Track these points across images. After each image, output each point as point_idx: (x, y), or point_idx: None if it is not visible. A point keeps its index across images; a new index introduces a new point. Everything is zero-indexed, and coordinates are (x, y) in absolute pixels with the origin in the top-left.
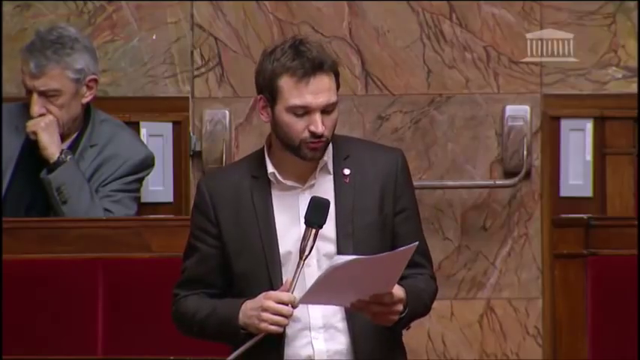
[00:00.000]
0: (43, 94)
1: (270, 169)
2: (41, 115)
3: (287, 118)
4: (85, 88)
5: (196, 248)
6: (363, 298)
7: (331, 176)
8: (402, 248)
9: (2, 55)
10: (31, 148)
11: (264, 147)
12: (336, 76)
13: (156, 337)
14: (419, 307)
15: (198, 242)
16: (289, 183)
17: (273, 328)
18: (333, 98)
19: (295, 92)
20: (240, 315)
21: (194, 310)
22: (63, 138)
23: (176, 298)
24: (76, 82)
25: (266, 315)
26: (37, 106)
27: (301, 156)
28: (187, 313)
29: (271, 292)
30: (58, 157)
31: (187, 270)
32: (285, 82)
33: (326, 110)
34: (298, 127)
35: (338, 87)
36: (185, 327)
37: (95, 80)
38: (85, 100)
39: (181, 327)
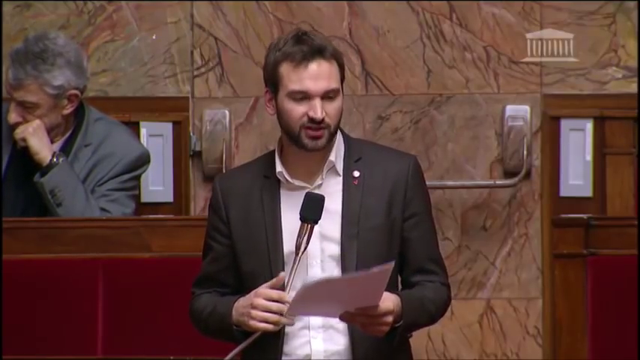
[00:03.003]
0: (21, 104)
1: (279, 168)
2: (18, 123)
3: (287, 105)
4: (65, 101)
5: (210, 247)
6: (349, 310)
7: (340, 177)
8: (378, 268)
9: (2, 55)
10: (21, 152)
11: (276, 147)
12: (340, 67)
13: (156, 337)
14: (421, 316)
15: (212, 241)
16: (297, 183)
17: (262, 325)
18: (334, 84)
19: (294, 77)
20: (233, 312)
21: (202, 308)
22: (51, 141)
23: (192, 296)
24: (54, 97)
25: (255, 312)
26: (14, 114)
27: (302, 145)
28: (197, 310)
29: (261, 290)
30: (51, 160)
31: (203, 268)
32: (284, 69)
33: (327, 96)
34: (297, 112)
35: (343, 79)
36: (197, 325)
37: (76, 95)
38: (65, 112)
39: (195, 325)
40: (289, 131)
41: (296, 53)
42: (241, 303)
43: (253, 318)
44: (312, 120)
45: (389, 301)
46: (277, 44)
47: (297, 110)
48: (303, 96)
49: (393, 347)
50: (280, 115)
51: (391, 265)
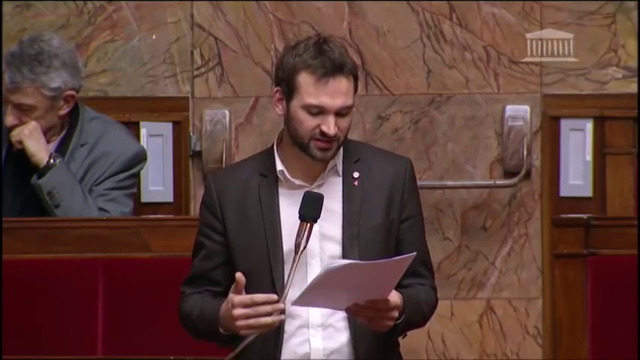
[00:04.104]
0: (18, 107)
1: (279, 166)
2: (15, 125)
3: (301, 115)
4: (62, 102)
5: (203, 245)
6: (358, 303)
7: (340, 178)
8: (400, 257)
9: (2, 55)
10: (16, 154)
11: (274, 144)
12: (355, 79)
13: (156, 337)
14: (417, 316)
15: (205, 239)
16: (297, 182)
17: (251, 331)
18: (349, 102)
19: (313, 91)
20: (220, 320)
21: (190, 309)
22: (47, 142)
23: (182, 296)
24: (51, 98)
25: (239, 323)
26: (11, 117)
27: (310, 155)
28: (185, 311)
29: (235, 299)
30: (48, 162)
31: (193, 267)
32: (304, 79)
33: (340, 113)
34: (310, 124)
35: (356, 90)
36: (186, 326)
37: (73, 95)
38: (61, 113)
39: (184, 326)
40: (298, 139)
41: (318, 67)
42: (224, 312)
43: (242, 328)
44: (323, 134)
45: (396, 296)
46: (297, 49)
47: (311, 122)
48: (319, 111)
49: (391, 345)
50: (290, 120)
51: (413, 255)
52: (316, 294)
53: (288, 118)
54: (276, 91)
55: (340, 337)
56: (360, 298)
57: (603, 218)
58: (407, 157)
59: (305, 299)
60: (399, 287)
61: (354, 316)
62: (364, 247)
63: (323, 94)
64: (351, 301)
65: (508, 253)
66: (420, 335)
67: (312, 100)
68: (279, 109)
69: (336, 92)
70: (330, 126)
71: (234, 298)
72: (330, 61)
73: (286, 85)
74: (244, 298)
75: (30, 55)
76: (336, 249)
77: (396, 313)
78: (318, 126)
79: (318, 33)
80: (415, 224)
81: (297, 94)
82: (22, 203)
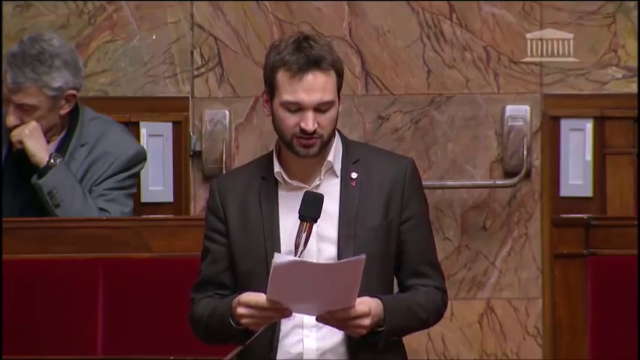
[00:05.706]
0: (20, 107)
1: (277, 168)
2: (16, 126)
3: (281, 113)
4: (63, 101)
5: (208, 250)
6: (325, 310)
7: (338, 179)
8: (347, 259)
9: (2, 55)
10: (16, 154)
11: (274, 148)
12: (339, 75)
13: (156, 337)
14: (410, 321)
15: (211, 243)
16: (295, 183)
17: (257, 326)
18: (328, 97)
19: (289, 88)
20: (233, 312)
21: (202, 311)
22: (47, 142)
23: (191, 303)
24: (53, 98)
25: (245, 321)
26: (12, 116)
27: (294, 152)
28: (197, 315)
29: (242, 298)
30: (48, 162)
31: (201, 272)
32: (280, 77)
33: (320, 109)
34: (290, 122)
35: (340, 87)
36: (197, 330)
37: (74, 95)
38: (63, 112)
39: (196, 332)
40: (282, 138)
41: (293, 63)
42: (233, 306)
43: (250, 325)
44: (303, 131)
45: (364, 304)
46: (278, 47)
47: (290, 120)
48: (297, 107)
49: (388, 345)
50: (274, 120)
51: (363, 258)
52: (281, 291)
53: (272, 118)
54: (263, 93)
55: (334, 337)
56: (325, 303)
57: (603, 218)
58: (409, 157)
59: (274, 294)
60: (401, 288)
61: (325, 324)
62: (361, 247)
63: (299, 90)
64: (319, 307)
65: (508, 253)
66: (420, 335)
67: (288, 97)
68: (267, 110)
69: (312, 88)
70: (307, 122)
71: (242, 297)
72: (305, 56)
73: (269, 85)
74: (250, 299)
75: (32, 55)
76: (332, 250)
77: (365, 321)
78: (298, 123)
79: (301, 31)
80: (418, 224)
81: (277, 93)
82: (23, 203)
